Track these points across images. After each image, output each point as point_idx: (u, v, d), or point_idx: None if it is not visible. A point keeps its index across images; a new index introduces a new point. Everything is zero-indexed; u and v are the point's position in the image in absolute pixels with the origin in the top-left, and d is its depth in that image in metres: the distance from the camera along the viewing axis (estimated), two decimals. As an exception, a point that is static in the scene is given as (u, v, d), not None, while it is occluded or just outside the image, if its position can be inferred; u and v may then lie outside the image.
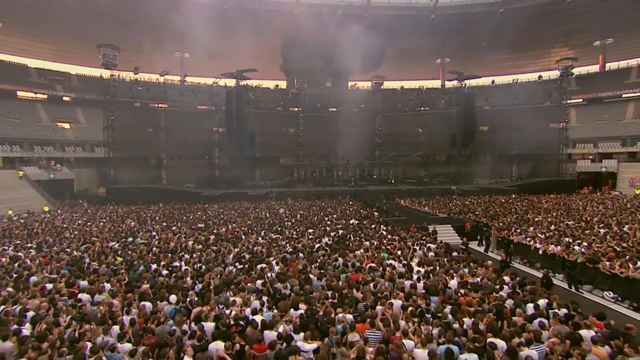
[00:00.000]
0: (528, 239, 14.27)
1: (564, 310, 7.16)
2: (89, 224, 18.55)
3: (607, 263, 10.68)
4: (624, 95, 48.68)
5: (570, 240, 13.35)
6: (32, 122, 39.57)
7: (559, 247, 12.64)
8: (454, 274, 9.34)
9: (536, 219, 18.48)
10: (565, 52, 52.06)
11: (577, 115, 50.83)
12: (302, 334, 6.05)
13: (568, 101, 49.20)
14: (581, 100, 51.70)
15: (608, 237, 13.93)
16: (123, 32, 40.13)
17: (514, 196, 31.05)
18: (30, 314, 6.95)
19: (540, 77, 42.63)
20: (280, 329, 6.25)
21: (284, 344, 5.75)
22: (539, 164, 42.41)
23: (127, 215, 21.90)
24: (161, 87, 37.08)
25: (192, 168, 40.05)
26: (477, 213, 20.72)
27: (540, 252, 13.28)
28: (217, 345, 5.68)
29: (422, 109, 45.44)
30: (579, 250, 12.13)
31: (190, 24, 36.86)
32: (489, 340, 5.82)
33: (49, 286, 8.56)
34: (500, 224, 17.41)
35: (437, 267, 9.96)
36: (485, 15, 47.09)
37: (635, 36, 49.05)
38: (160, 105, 39.49)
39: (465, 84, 42.00)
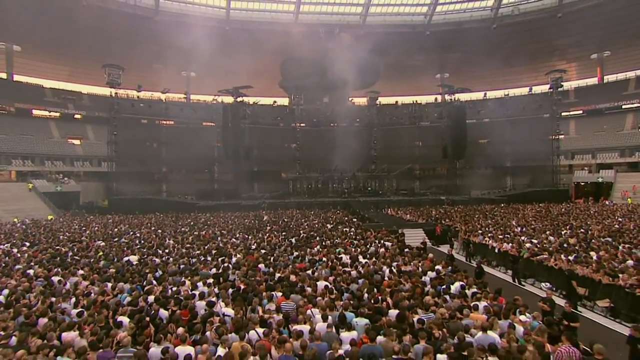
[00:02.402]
0: (487, 239, 14.99)
1: (474, 290, 8.06)
2: (83, 228, 19.96)
3: (545, 256, 11.38)
4: (623, 107, 48.83)
5: (524, 239, 14.04)
6: (45, 139, 42.04)
7: (510, 244, 13.35)
8: (392, 264, 10.23)
9: (508, 223, 19.10)
10: (563, 65, 52.78)
11: (577, 126, 51.15)
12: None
13: (565, 113, 50.09)
14: (581, 112, 52.07)
15: (565, 235, 14.57)
16: (129, 52, 42.60)
17: (502, 205, 31.53)
18: (5, 291, 8.16)
19: (530, 89, 43.40)
20: (214, 299, 7.30)
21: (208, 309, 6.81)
22: (536, 175, 42.68)
23: (120, 222, 23.29)
24: (162, 104, 39.19)
25: (193, 181, 41.52)
26: (453, 219, 21.42)
27: (496, 250, 14.00)
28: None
29: (417, 123, 46.37)
30: (528, 247, 12.83)
31: (194, 45, 39.04)
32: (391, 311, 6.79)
33: (30, 272, 9.82)
34: (470, 227, 18.11)
35: (381, 260, 10.87)
36: (480, 31, 48.23)
37: (633, 49, 49.56)
38: (163, 122, 41.46)
39: (458, 98, 43.00)
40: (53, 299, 7.54)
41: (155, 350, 5.16)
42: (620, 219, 19.73)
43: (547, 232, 15.65)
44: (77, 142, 44.22)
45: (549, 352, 5.16)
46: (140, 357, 4.78)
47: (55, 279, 8.98)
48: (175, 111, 39.46)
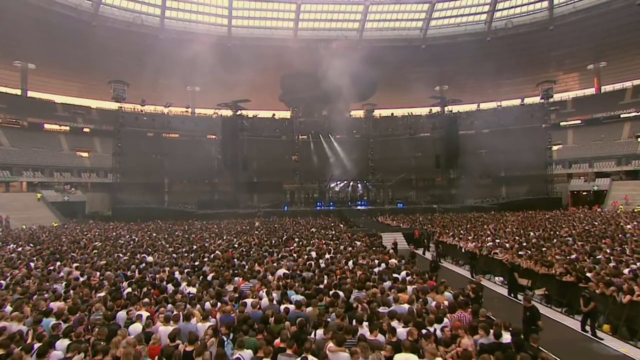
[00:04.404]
0: (456, 240, 15.95)
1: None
2: (85, 232, 21.38)
3: (499, 251, 12.34)
4: (621, 116, 49.25)
5: (489, 239, 14.99)
6: (54, 151, 44.12)
7: (473, 244, 14.30)
8: (352, 258, 11.34)
9: (485, 227, 19.97)
10: (560, 76, 53.53)
11: (575, 136, 51.61)
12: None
13: (563, 122, 50.83)
14: (579, 121, 52.54)
15: (531, 236, 15.47)
16: (135, 68, 44.60)
17: (493, 212, 32.29)
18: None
19: (522, 100, 44.38)
20: (182, 282, 8.52)
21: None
22: (532, 184, 43.13)
23: (120, 227, 24.71)
24: (165, 117, 41.00)
25: (194, 192, 42.89)
26: (435, 224, 22.35)
27: (463, 250, 14.94)
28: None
29: (413, 134, 47.47)
30: (488, 246, 13.78)
31: (197, 60, 41.03)
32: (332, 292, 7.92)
33: (31, 265, 11.17)
34: (447, 230, 19.05)
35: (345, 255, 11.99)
36: (474, 44, 49.33)
37: (628, 59, 50.17)
38: (169, 135, 43.26)
39: (451, 109, 44.14)
40: (47, 284, 8.82)
41: (121, 313, 6.35)
42: (595, 223, 20.44)
43: (516, 234, 16.53)
44: (85, 154, 46.22)
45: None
46: (106, 317, 5.98)
47: (52, 268, 10.28)
48: (178, 124, 41.23)
